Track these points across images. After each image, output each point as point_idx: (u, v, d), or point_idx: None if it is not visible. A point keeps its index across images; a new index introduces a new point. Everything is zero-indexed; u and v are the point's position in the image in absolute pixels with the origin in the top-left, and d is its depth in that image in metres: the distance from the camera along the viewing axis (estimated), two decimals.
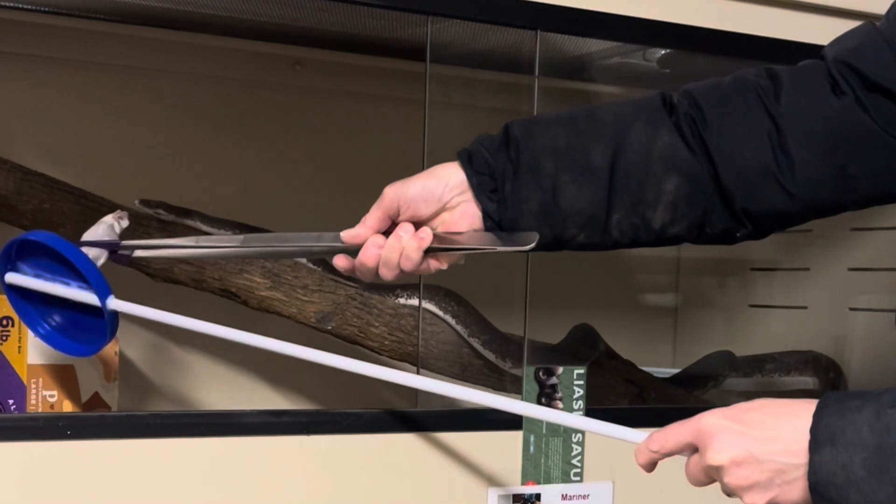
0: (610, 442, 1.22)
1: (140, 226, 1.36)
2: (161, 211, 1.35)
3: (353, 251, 1.01)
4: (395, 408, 1.16)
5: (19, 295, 1.08)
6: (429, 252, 0.98)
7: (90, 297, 1.03)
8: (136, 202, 1.35)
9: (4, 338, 1.19)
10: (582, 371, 1.23)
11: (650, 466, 0.88)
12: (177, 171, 1.56)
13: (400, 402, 1.29)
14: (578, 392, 1.23)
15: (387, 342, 1.39)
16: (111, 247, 1.07)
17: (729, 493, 0.83)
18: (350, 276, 1.42)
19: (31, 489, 0.98)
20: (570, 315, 1.59)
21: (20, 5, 1.39)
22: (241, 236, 1.09)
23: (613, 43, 1.45)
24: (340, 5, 1.27)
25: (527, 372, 1.22)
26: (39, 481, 0.99)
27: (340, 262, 1.01)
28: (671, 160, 0.98)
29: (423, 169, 1.21)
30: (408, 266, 0.98)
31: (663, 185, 0.98)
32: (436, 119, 1.22)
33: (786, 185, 0.96)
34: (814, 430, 0.79)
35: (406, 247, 0.98)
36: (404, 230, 0.98)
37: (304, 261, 1.43)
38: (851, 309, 1.70)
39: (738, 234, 1.01)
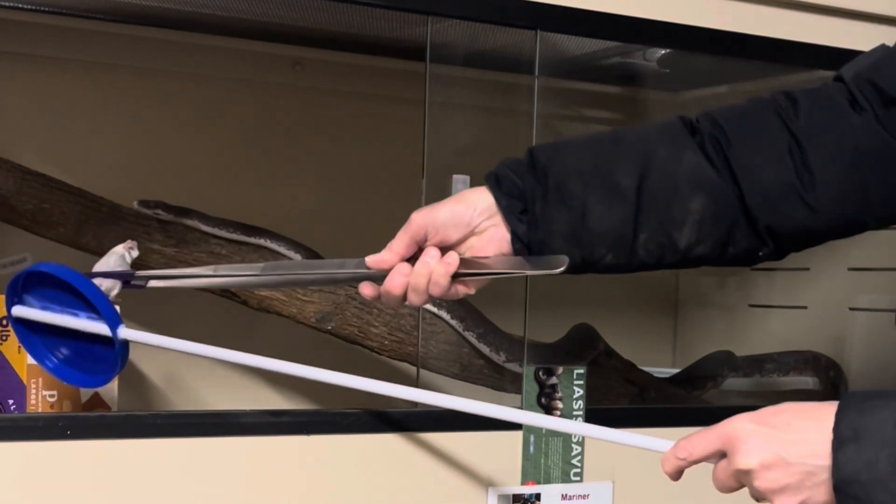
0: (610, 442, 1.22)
1: (140, 226, 1.37)
2: (160, 211, 1.35)
3: (377, 277, 1.00)
4: (395, 408, 1.16)
5: (26, 328, 1.06)
6: (456, 277, 0.98)
7: (100, 328, 1.02)
8: (135, 203, 1.35)
9: (4, 338, 1.19)
10: (582, 371, 1.23)
11: (677, 474, 0.87)
12: (177, 171, 1.56)
13: (400, 402, 1.28)
14: (578, 392, 1.23)
15: (387, 342, 1.39)
16: (125, 277, 1.06)
17: (758, 497, 0.82)
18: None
19: (31, 489, 0.98)
20: (570, 315, 1.59)
21: (20, 5, 1.39)
22: (262, 264, 1.06)
23: (613, 43, 1.45)
24: (340, 5, 1.27)
25: (527, 372, 1.22)
26: (39, 481, 0.99)
27: (366, 290, 1.01)
28: (697, 179, 0.98)
29: (422, 169, 1.21)
30: (436, 292, 0.98)
31: (689, 204, 0.98)
32: (436, 119, 1.22)
33: (808, 201, 0.97)
34: (836, 429, 0.78)
35: (434, 272, 0.97)
36: (431, 255, 0.98)
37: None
38: (851, 309, 1.70)
39: (759, 254, 1.02)
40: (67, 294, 1.03)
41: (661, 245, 0.99)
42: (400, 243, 0.99)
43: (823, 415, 0.80)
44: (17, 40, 1.46)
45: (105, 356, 1.04)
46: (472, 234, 1.00)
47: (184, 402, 1.57)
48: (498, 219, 1.00)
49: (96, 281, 1.04)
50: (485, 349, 1.42)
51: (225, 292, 1.38)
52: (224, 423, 1.06)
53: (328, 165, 1.67)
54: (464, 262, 0.98)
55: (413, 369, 1.43)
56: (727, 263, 1.03)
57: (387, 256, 0.99)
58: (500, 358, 1.42)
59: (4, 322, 1.19)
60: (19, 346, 1.19)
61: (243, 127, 1.61)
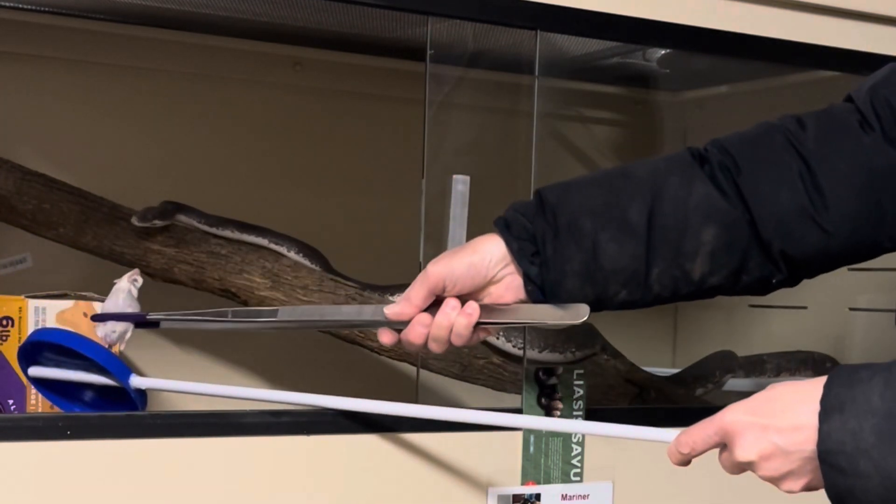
0: (610, 442, 1.23)
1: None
2: (156, 221, 1.34)
3: (395, 324, 1.01)
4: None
5: (46, 386, 1.08)
6: (477, 325, 0.99)
7: (112, 379, 1.05)
8: (134, 220, 1.33)
9: (4, 338, 1.19)
10: (582, 371, 1.23)
11: (685, 464, 0.89)
12: (176, 171, 1.56)
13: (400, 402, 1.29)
14: (578, 392, 1.23)
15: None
16: (136, 319, 1.07)
17: (766, 480, 0.84)
18: (348, 278, 1.42)
19: (31, 489, 0.98)
20: None
21: (20, 5, 1.39)
22: (277, 309, 1.06)
23: (613, 43, 1.45)
24: (340, 5, 1.27)
25: (526, 372, 1.22)
26: (39, 481, 0.99)
27: (386, 338, 1.02)
28: (707, 210, 0.98)
29: (422, 169, 1.21)
30: (459, 342, 0.99)
31: (701, 236, 0.98)
32: (436, 119, 1.22)
33: (822, 224, 0.97)
34: (823, 401, 0.79)
35: (456, 324, 0.98)
36: (451, 307, 0.99)
37: (304, 261, 1.43)
38: (851, 309, 1.70)
39: (773, 281, 1.02)
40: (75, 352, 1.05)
41: (674, 278, 1.00)
42: (418, 295, 0.99)
43: (814, 395, 0.81)
44: (17, 40, 1.46)
45: (126, 397, 1.07)
46: (489, 283, 1.01)
47: (184, 401, 1.57)
48: (514, 265, 1.01)
49: (109, 325, 1.05)
50: None
51: (225, 291, 1.38)
52: (224, 423, 1.06)
53: (328, 165, 1.67)
54: (484, 309, 0.99)
55: (413, 369, 1.43)
56: (742, 292, 1.03)
57: (406, 309, 0.99)
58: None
59: (4, 322, 1.19)
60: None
61: (243, 127, 1.61)
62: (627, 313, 1.87)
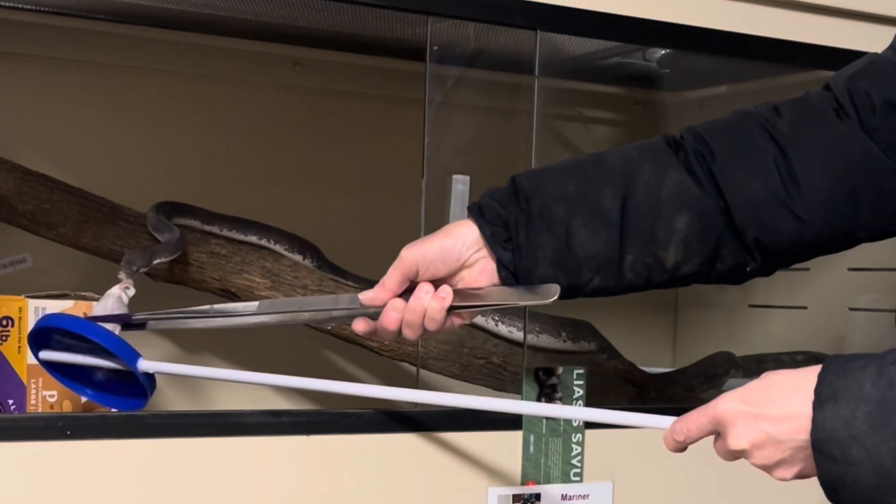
0: (610, 442, 1.23)
1: (140, 226, 1.37)
2: (140, 269, 1.24)
3: (372, 313, 1.01)
4: (395, 408, 1.17)
5: (56, 369, 1.09)
6: (450, 310, 0.99)
7: (120, 363, 1.05)
8: (120, 275, 1.21)
9: (4, 338, 1.19)
10: (582, 371, 1.23)
11: (680, 451, 0.89)
12: (176, 171, 1.56)
13: (400, 402, 1.29)
14: (578, 392, 1.23)
15: (386, 342, 1.39)
16: (123, 320, 1.08)
17: (758, 468, 0.84)
18: (344, 271, 1.42)
19: (31, 489, 0.98)
20: (570, 314, 1.59)
21: (20, 5, 1.39)
22: (256, 303, 1.07)
23: (613, 43, 1.45)
24: (340, 5, 1.28)
25: (527, 371, 1.22)
26: (39, 481, 0.99)
27: (360, 326, 1.02)
28: (680, 198, 0.98)
29: (422, 169, 1.21)
30: (432, 326, 0.99)
31: (674, 223, 0.98)
32: (436, 119, 1.23)
33: (796, 211, 0.97)
34: (817, 390, 0.80)
35: (429, 308, 0.98)
36: (425, 291, 0.99)
37: (303, 261, 1.43)
38: (851, 309, 1.70)
39: (748, 269, 1.02)
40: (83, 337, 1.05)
41: (647, 266, 1.00)
42: (392, 280, 0.99)
43: (807, 384, 0.81)
44: (17, 40, 1.46)
45: (135, 380, 1.06)
46: (462, 267, 1.01)
47: (184, 401, 1.57)
48: (487, 250, 1.01)
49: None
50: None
51: (225, 291, 1.38)
52: (224, 423, 1.06)
53: (328, 165, 1.67)
54: (457, 293, 0.99)
55: (413, 369, 1.43)
56: (716, 281, 1.03)
57: (380, 294, 1.00)
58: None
59: (4, 322, 1.19)
60: (19, 346, 1.19)
61: (243, 127, 1.61)
62: (627, 313, 1.88)
